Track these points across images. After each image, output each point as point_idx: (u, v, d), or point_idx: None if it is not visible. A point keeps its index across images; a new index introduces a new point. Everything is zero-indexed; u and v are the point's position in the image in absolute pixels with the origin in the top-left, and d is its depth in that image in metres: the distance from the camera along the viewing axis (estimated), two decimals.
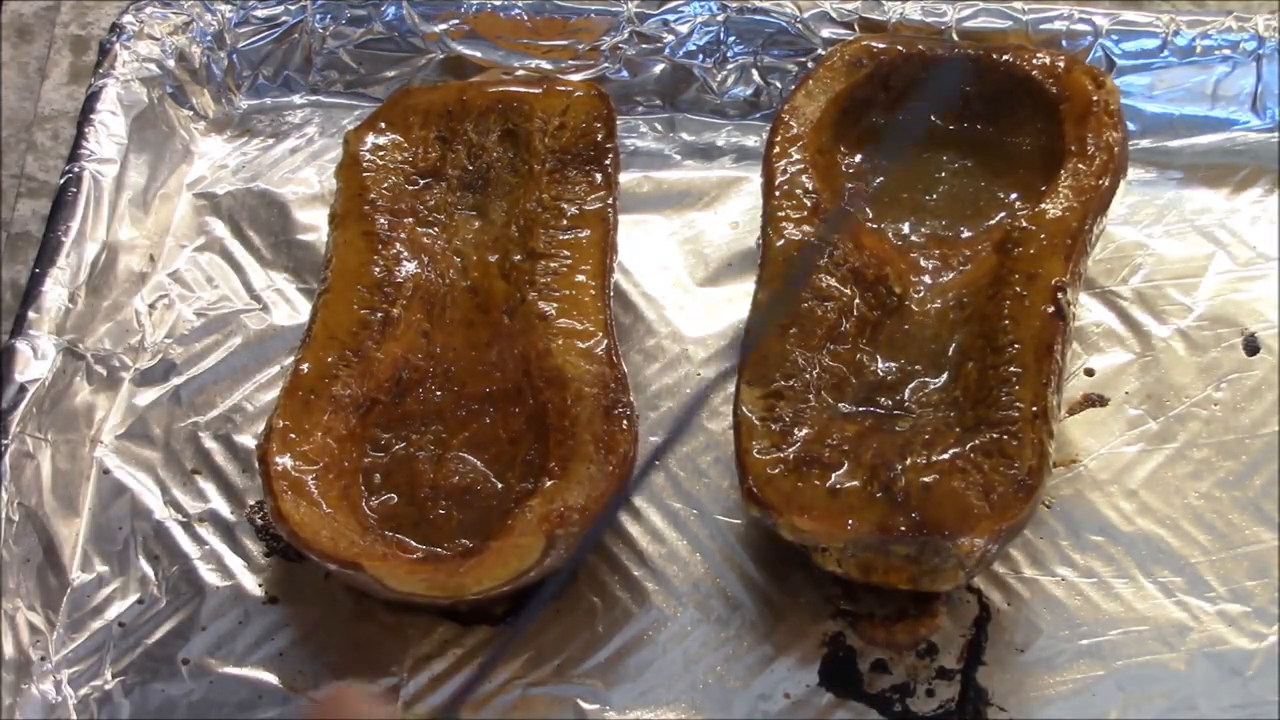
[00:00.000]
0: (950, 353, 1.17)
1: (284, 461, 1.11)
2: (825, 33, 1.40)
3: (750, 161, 1.38)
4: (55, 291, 1.24)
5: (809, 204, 1.22)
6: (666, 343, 1.29)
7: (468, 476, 1.14)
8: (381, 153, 1.28)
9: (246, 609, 1.15)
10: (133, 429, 1.24)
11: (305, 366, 1.15)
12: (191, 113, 1.42)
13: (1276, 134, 1.38)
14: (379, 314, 1.19)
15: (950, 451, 1.09)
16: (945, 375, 1.16)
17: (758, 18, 1.41)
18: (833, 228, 1.19)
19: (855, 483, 1.09)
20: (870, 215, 1.26)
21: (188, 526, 1.19)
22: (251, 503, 1.20)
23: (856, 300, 1.19)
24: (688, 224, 1.36)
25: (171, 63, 1.41)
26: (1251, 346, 1.27)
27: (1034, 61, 1.29)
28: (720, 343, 1.28)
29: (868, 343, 1.18)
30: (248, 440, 1.23)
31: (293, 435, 1.12)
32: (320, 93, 1.45)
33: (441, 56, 1.44)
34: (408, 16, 1.43)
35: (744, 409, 1.13)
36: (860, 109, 1.31)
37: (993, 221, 1.25)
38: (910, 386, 1.16)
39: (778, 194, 1.23)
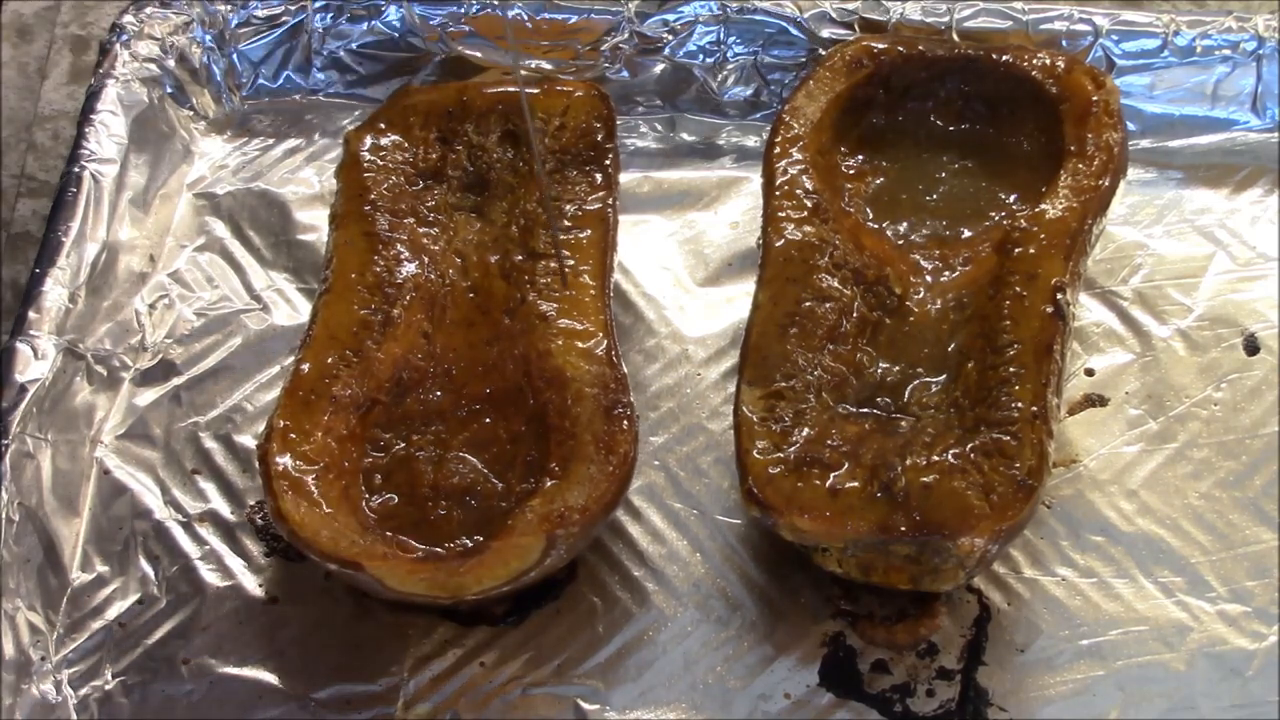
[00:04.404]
0: (950, 353, 1.17)
1: (284, 461, 1.11)
2: (825, 33, 1.40)
3: (750, 161, 1.38)
4: (55, 291, 1.24)
5: (809, 204, 1.22)
6: (666, 343, 1.29)
7: (468, 477, 1.14)
8: (382, 153, 1.28)
9: (246, 609, 1.15)
10: (133, 429, 1.24)
11: (306, 366, 1.15)
12: (191, 113, 1.43)
13: (1276, 134, 1.38)
14: (379, 314, 1.18)
15: (950, 452, 1.09)
16: (945, 376, 1.16)
17: (758, 18, 1.41)
18: None
19: (855, 483, 1.09)
20: (870, 215, 1.26)
21: (188, 526, 1.19)
22: (251, 503, 1.20)
23: (857, 301, 1.19)
24: (688, 224, 1.36)
25: (171, 63, 1.41)
26: (1251, 346, 1.27)
27: (1034, 61, 1.29)
28: (720, 343, 1.28)
29: (868, 343, 1.18)
30: (248, 440, 1.23)
31: (293, 435, 1.12)
32: (320, 93, 1.45)
33: (442, 56, 1.44)
34: (408, 16, 1.43)
35: (744, 409, 1.13)
36: (861, 109, 1.31)
37: (993, 222, 1.25)
38: (910, 387, 1.16)
39: (778, 194, 1.23)
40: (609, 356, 1.15)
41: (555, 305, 1.18)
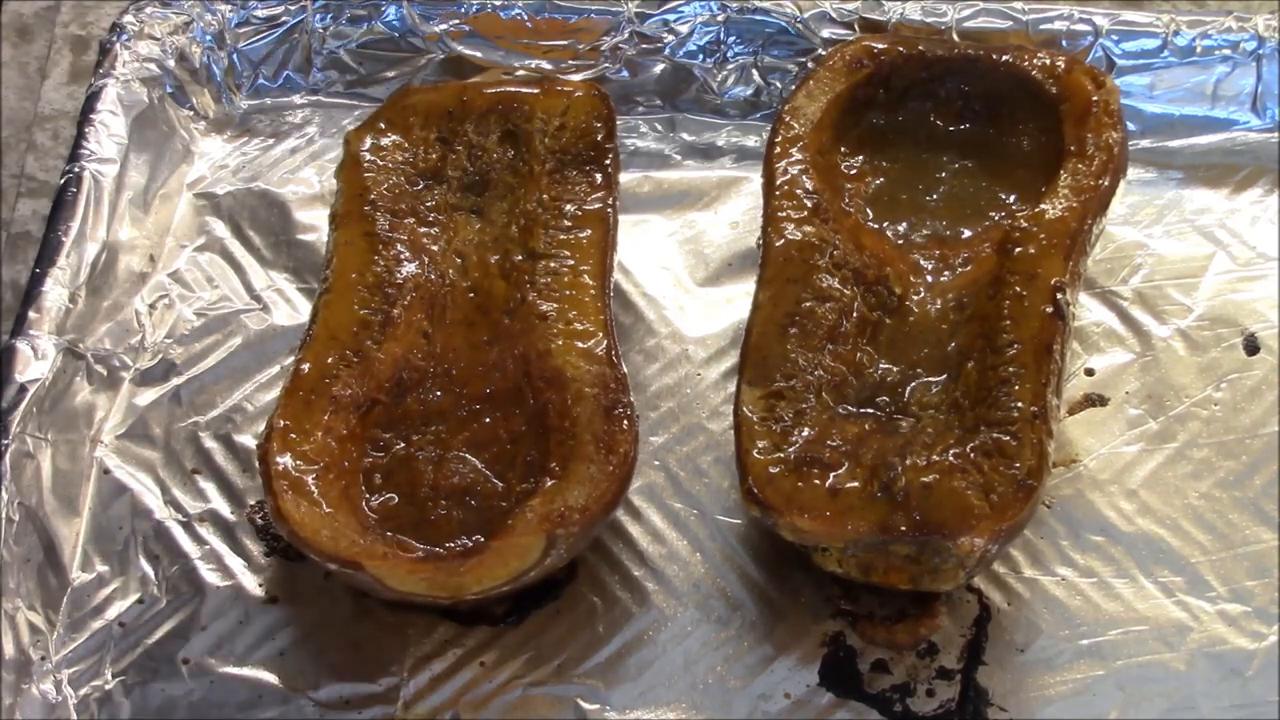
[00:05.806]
0: (950, 353, 1.17)
1: (284, 461, 1.11)
2: (825, 33, 1.40)
3: (750, 161, 1.38)
4: (55, 291, 1.24)
5: (809, 204, 1.22)
6: (666, 343, 1.29)
7: (468, 476, 1.14)
8: (382, 153, 1.28)
9: (246, 609, 1.15)
10: (133, 429, 1.24)
11: (306, 366, 1.15)
12: (191, 113, 1.43)
13: (1276, 134, 1.38)
14: (379, 314, 1.18)
15: (950, 452, 1.09)
16: (945, 376, 1.16)
17: (758, 18, 1.41)
18: None
19: (855, 483, 1.09)
20: (870, 215, 1.26)
21: (188, 526, 1.19)
22: (252, 503, 1.20)
23: (857, 301, 1.19)
24: (688, 224, 1.36)
25: (171, 63, 1.41)
26: (1251, 346, 1.27)
27: (1034, 61, 1.29)
28: (720, 343, 1.28)
29: (868, 343, 1.18)
30: (248, 440, 1.23)
31: (293, 435, 1.12)
32: (320, 93, 1.45)
33: (442, 56, 1.44)
34: (408, 16, 1.43)
35: (744, 409, 1.13)
36: (861, 109, 1.31)
37: (993, 222, 1.25)
38: (910, 387, 1.16)
39: (778, 194, 1.23)
40: (609, 356, 1.15)
41: (555, 305, 1.18)
